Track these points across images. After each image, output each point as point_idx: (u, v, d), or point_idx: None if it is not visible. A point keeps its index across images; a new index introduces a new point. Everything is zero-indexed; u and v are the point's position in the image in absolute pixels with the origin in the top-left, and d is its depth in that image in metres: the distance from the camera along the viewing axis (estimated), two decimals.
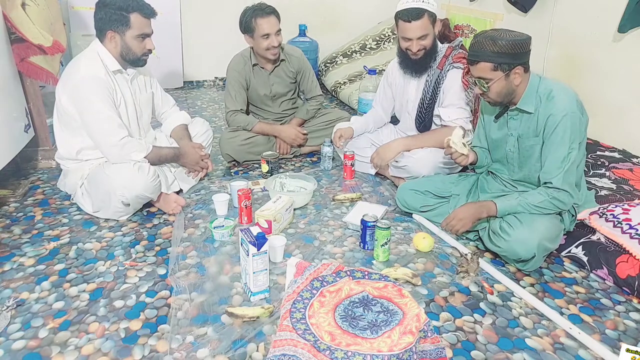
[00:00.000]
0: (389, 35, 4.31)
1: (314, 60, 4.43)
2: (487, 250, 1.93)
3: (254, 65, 2.74)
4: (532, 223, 1.75)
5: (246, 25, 2.58)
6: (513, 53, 1.69)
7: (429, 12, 2.19)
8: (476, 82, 1.79)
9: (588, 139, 2.93)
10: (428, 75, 2.37)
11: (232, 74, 2.76)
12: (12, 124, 2.36)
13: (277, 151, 2.80)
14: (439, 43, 2.38)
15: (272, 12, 2.57)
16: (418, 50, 2.25)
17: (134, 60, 2.09)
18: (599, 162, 2.59)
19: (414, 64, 2.33)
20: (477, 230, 1.99)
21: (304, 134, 2.83)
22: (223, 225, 2.01)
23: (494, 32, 1.72)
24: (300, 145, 2.87)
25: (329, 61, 4.38)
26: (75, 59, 2.09)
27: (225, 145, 2.71)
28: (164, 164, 2.30)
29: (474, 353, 1.43)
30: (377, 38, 4.41)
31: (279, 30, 2.60)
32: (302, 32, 4.44)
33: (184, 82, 4.48)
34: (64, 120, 2.08)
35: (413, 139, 2.44)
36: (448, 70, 2.32)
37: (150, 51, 2.10)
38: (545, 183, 1.79)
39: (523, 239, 1.73)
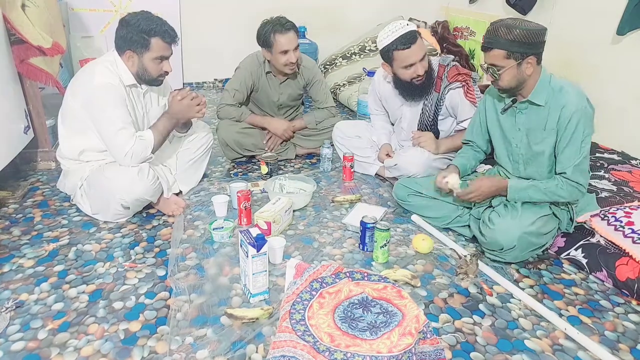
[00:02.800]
0: None
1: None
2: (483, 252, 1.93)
3: (267, 72, 2.73)
4: (518, 215, 1.79)
5: (265, 40, 2.56)
6: (527, 42, 1.69)
7: (417, 32, 2.18)
8: (488, 68, 1.79)
9: None
10: (426, 99, 2.34)
11: (243, 72, 2.74)
12: (12, 125, 2.36)
13: (264, 143, 2.80)
14: (431, 60, 2.32)
15: (291, 27, 2.55)
16: (422, 74, 2.20)
17: (149, 80, 2.09)
18: (598, 164, 2.60)
19: (419, 89, 2.28)
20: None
21: (294, 129, 2.83)
22: (222, 227, 2.01)
23: (510, 21, 1.74)
24: (286, 140, 2.85)
25: (328, 63, 4.38)
26: (91, 65, 2.08)
27: (224, 131, 2.71)
28: (165, 162, 2.30)
29: (473, 354, 1.43)
30: (377, 40, 4.41)
31: (297, 46, 2.58)
32: (302, 34, 4.44)
33: (183, 83, 4.48)
34: (69, 122, 2.08)
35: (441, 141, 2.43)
36: (447, 93, 2.29)
37: (167, 73, 2.10)
38: (559, 173, 1.81)
39: (506, 228, 1.77)
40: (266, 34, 2.54)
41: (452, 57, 2.41)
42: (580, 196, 1.84)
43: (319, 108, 2.91)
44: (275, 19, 2.57)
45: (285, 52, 2.55)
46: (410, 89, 2.30)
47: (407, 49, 2.15)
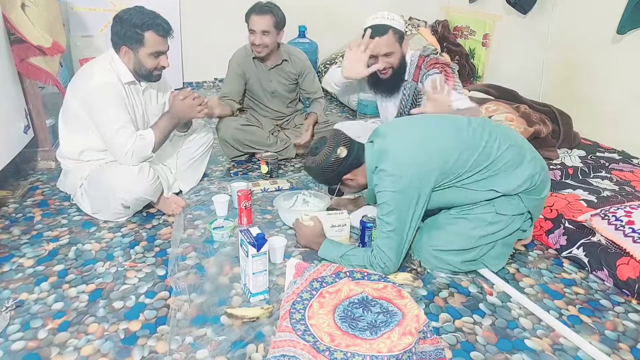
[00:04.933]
0: None
1: (314, 61, 4.44)
2: None
3: (254, 58, 2.75)
4: (431, 232, 1.79)
5: (245, 17, 2.62)
6: (327, 175, 1.78)
7: (394, 29, 2.18)
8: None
9: (587, 140, 2.95)
10: (404, 89, 2.33)
11: (232, 64, 2.80)
12: (12, 124, 2.36)
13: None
14: (408, 61, 2.30)
15: (267, 11, 2.56)
16: (384, 69, 2.21)
17: (146, 75, 2.08)
18: (599, 163, 2.60)
19: (384, 84, 2.30)
20: None
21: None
22: (223, 226, 2.01)
23: (309, 161, 1.81)
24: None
25: (328, 62, 4.38)
26: (89, 64, 2.07)
27: (222, 129, 2.72)
28: (166, 162, 2.31)
29: (473, 354, 1.43)
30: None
31: (267, 31, 2.58)
32: (302, 33, 4.44)
33: (183, 83, 4.48)
34: (69, 122, 2.08)
35: None
36: (425, 80, 2.25)
37: (163, 67, 2.09)
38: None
39: (417, 249, 1.81)
40: (248, 11, 2.60)
41: (433, 48, 2.39)
42: (387, 268, 1.70)
43: (314, 100, 2.96)
44: (265, 1, 2.63)
45: (252, 31, 2.59)
46: (377, 81, 2.31)
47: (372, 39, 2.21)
